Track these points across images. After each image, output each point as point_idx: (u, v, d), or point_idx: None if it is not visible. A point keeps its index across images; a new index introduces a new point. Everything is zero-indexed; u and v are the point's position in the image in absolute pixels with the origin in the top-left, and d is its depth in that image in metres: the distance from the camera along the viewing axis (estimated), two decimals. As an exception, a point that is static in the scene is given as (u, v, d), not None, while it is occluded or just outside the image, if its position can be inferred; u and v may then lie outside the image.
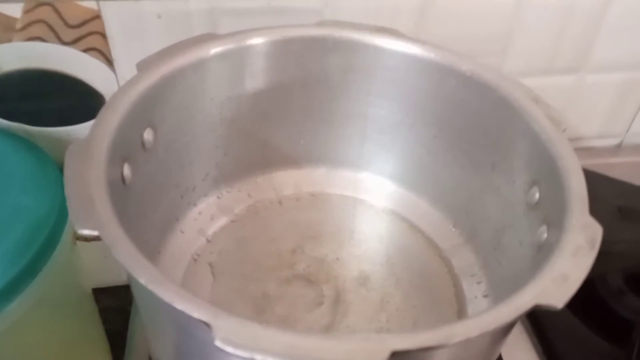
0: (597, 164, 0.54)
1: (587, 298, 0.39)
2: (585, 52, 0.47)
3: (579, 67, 0.48)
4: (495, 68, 0.34)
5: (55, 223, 0.33)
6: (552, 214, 0.27)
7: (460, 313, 0.34)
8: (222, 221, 0.39)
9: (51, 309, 0.36)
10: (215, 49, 0.32)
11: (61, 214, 0.34)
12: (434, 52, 0.34)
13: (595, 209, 0.26)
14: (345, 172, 0.42)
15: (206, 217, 0.38)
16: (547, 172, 0.29)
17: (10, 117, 0.41)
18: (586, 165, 0.29)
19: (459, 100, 0.35)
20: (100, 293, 0.45)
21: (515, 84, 0.33)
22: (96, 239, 0.20)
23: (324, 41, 0.35)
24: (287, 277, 0.36)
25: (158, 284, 0.19)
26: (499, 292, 0.34)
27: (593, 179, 0.28)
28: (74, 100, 0.41)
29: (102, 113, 0.26)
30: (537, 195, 0.29)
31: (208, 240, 0.38)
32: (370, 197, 0.41)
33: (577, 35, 0.46)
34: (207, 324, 0.18)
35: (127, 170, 0.27)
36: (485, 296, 0.36)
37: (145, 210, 0.29)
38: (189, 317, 0.18)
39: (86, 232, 0.20)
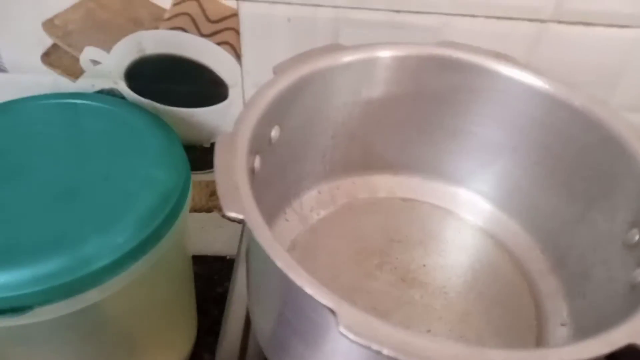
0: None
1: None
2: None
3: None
4: (606, 104, 0.35)
5: (180, 195, 0.38)
6: (651, 258, 0.28)
7: (539, 337, 0.36)
8: (321, 214, 0.42)
9: (165, 271, 0.40)
10: (343, 59, 0.35)
11: (185, 187, 0.39)
12: (548, 83, 0.36)
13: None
14: (440, 184, 0.43)
15: (307, 209, 0.41)
16: (650, 216, 0.29)
17: (143, 94, 0.46)
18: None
19: (566, 132, 0.36)
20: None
21: (626, 124, 0.33)
22: (240, 221, 0.23)
23: (441, 60, 0.37)
24: (374, 274, 0.39)
25: (292, 269, 0.22)
26: (580, 323, 0.35)
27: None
28: (200, 86, 0.46)
29: (245, 110, 0.29)
30: (637, 237, 0.30)
31: (306, 230, 0.41)
32: (462, 211, 0.43)
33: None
34: (332, 311, 0.20)
35: (257, 162, 0.30)
36: (563, 324, 0.37)
37: (263, 198, 0.33)
38: (316, 302, 0.21)
39: (232, 215, 0.23)
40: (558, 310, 0.37)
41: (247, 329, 0.40)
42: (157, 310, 0.43)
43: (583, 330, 0.35)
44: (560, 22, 0.41)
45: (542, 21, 0.41)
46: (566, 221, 0.37)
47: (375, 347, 0.20)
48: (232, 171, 0.25)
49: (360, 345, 0.20)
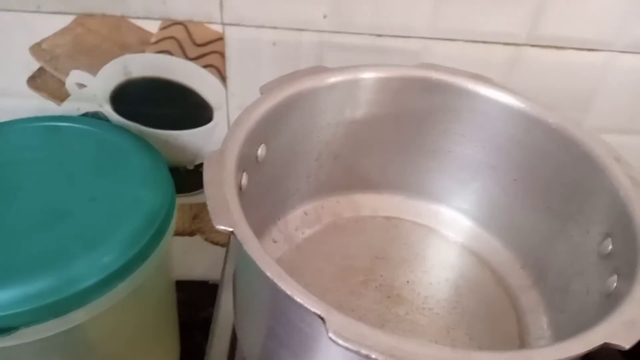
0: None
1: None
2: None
3: (658, 130, 0.49)
4: (579, 123, 0.36)
5: (165, 216, 0.38)
6: (624, 266, 0.29)
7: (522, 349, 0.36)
8: (306, 233, 0.42)
9: (149, 292, 0.40)
10: (328, 80, 0.36)
11: (170, 208, 0.39)
12: (524, 102, 0.37)
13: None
14: (422, 203, 0.44)
15: (292, 228, 0.42)
16: (622, 227, 0.31)
17: (128, 116, 0.47)
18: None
19: (543, 150, 0.37)
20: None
21: (598, 141, 0.35)
22: (230, 234, 0.24)
23: (422, 82, 0.38)
24: (360, 292, 0.39)
25: (281, 278, 0.22)
26: (559, 337, 0.36)
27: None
28: (186, 108, 0.46)
29: (233, 128, 0.30)
30: (610, 247, 0.31)
31: (291, 249, 0.41)
32: (444, 229, 0.44)
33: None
34: (322, 318, 0.21)
35: (244, 179, 0.31)
36: (543, 338, 0.37)
37: (250, 216, 0.33)
38: (305, 310, 0.22)
39: (222, 228, 0.24)
40: (539, 324, 0.38)
41: (232, 353, 0.40)
42: (141, 332, 0.43)
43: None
44: (533, 45, 0.43)
45: (516, 45, 0.43)
46: (544, 237, 0.39)
47: (364, 351, 0.20)
48: (222, 185, 0.26)
49: (350, 350, 0.20)
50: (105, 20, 0.41)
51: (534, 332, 0.38)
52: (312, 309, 0.21)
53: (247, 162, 0.32)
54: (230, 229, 0.24)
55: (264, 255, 0.23)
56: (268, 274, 0.22)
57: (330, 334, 0.20)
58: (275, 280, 0.22)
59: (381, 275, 0.41)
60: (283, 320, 0.25)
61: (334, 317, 0.21)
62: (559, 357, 0.22)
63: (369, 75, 0.37)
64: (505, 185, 0.40)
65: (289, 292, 0.22)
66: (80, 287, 0.33)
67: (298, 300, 0.22)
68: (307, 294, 0.22)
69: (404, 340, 0.21)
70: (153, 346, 0.47)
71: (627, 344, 0.22)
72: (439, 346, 0.20)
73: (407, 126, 0.41)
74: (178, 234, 0.56)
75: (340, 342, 0.20)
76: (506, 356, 0.21)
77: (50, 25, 0.41)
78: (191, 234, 0.57)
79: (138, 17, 0.41)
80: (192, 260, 0.59)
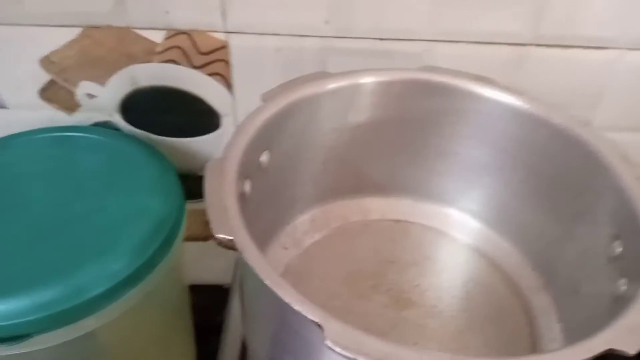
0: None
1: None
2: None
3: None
4: (586, 123, 0.36)
5: (174, 223, 0.38)
6: (633, 269, 0.28)
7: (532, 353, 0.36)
8: (314, 238, 0.42)
9: (160, 299, 0.41)
10: (329, 86, 0.36)
11: (179, 216, 0.39)
12: (528, 103, 0.37)
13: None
14: (430, 205, 0.44)
15: (300, 233, 0.42)
16: (631, 229, 0.30)
17: (138, 125, 0.47)
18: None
19: (548, 150, 0.37)
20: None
21: (605, 141, 0.34)
22: (229, 242, 0.24)
23: (424, 84, 0.38)
24: (368, 296, 0.39)
25: (280, 287, 0.22)
26: (570, 337, 0.36)
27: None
28: (193, 116, 0.47)
29: (234, 136, 0.30)
30: (619, 249, 0.31)
31: (300, 254, 0.41)
32: (453, 231, 0.43)
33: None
34: (319, 326, 0.21)
35: (247, 186, 0.31)
36: (555, 340, 0.37)
37: (256, 222, 0.34)
38: (304, 318, 0.22)
39: (222, 236, 0.24)
40: (550, 327, 0.37)
41: (244, 357, 0.40)
42: (153, 338, 0.43)
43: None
44: (539, 45, 0.43)
45: (521, 45, 0.43)
46: (554, 238, 0.38)
47: (361, 358, 0.20)
48: (222, 194, 0.26)
49: (347, 358, 0.20)
50: (111, 31, 0.42)
51: (546, 335, 0.37)
52: (310, 317, 0.21)
53: (250, 169, 0.32)
54: (230, 237, 0.24)
55: (264, 264, 0.24)
56: (267, 282, 0.23)
57: (328, 342, 0.20)
58: (274, 289, 0.22)
59: (390, 279, 0.40)
60: (285, 327, 0.25)
61: (332, 325, 0.21)
62: (560, 363, 0.21)
63: (369, 79, 0.37)
64: (513, 186, 0.39)
65: (287, 301, 0.22)
66: (89, 295, 0.33)
67: (296, 308, 0.22)
68: (305, 302, 0.22)
69: (401, 347, 0.21)
70: (168, 352, 0.47)
71: (632, 350, 0.22)
72: (436, 353, 0.20)
73: (412, 129, 0.41)
74: (192, 239, 0.57)
75: (338, 349, 0.20)
76: (506, 362, 0.21)
77: (58, 38, 0.42)
78: (205, 238, 0.58)
79: (142, 28, 0.42)
80: (207, 264, 0.60)
